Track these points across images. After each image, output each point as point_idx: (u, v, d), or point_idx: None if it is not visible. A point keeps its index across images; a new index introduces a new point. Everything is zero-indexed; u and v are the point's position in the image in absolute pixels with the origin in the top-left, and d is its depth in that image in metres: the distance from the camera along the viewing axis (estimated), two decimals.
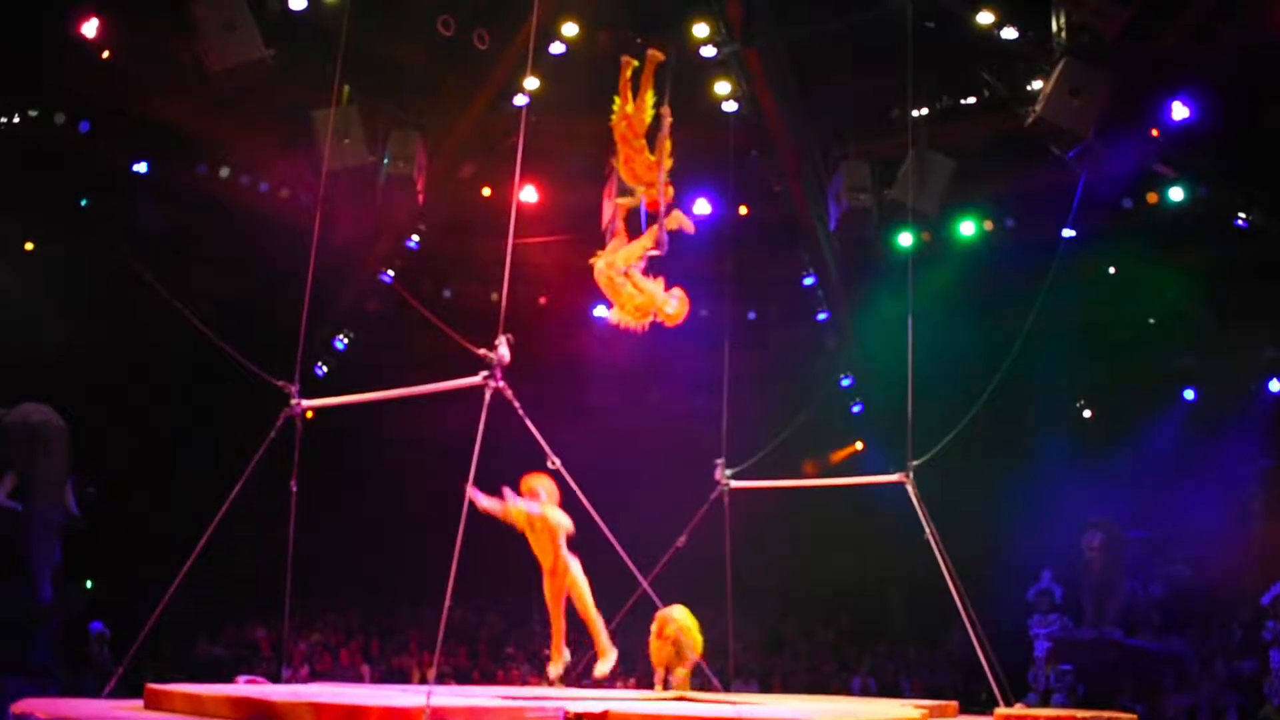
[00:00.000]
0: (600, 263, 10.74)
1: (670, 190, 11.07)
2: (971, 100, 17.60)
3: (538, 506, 10.43)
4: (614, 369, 21.47)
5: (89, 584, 17.67)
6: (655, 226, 10.71)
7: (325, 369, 19.41)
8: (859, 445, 22.13)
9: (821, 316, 20.65)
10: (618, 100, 11.00)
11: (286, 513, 11.20)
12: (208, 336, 15.96)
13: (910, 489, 13.19)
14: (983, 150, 17.98)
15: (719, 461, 14.48)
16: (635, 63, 10.88)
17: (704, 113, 17.73)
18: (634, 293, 10.59)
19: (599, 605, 13.87)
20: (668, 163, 10.94)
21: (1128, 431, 20.48)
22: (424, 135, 17.59)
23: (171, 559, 11.04)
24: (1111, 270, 19.23)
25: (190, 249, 18.10)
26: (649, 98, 10.89)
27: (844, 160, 18.12)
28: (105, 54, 15.25)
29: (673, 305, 10.72)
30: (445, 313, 18.32)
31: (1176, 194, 17.32)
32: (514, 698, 9.35)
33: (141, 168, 17.38)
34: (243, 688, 9.81)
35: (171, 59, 15.29)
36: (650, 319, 10.77)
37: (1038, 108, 15.59)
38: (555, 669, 11.21)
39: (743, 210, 19.66)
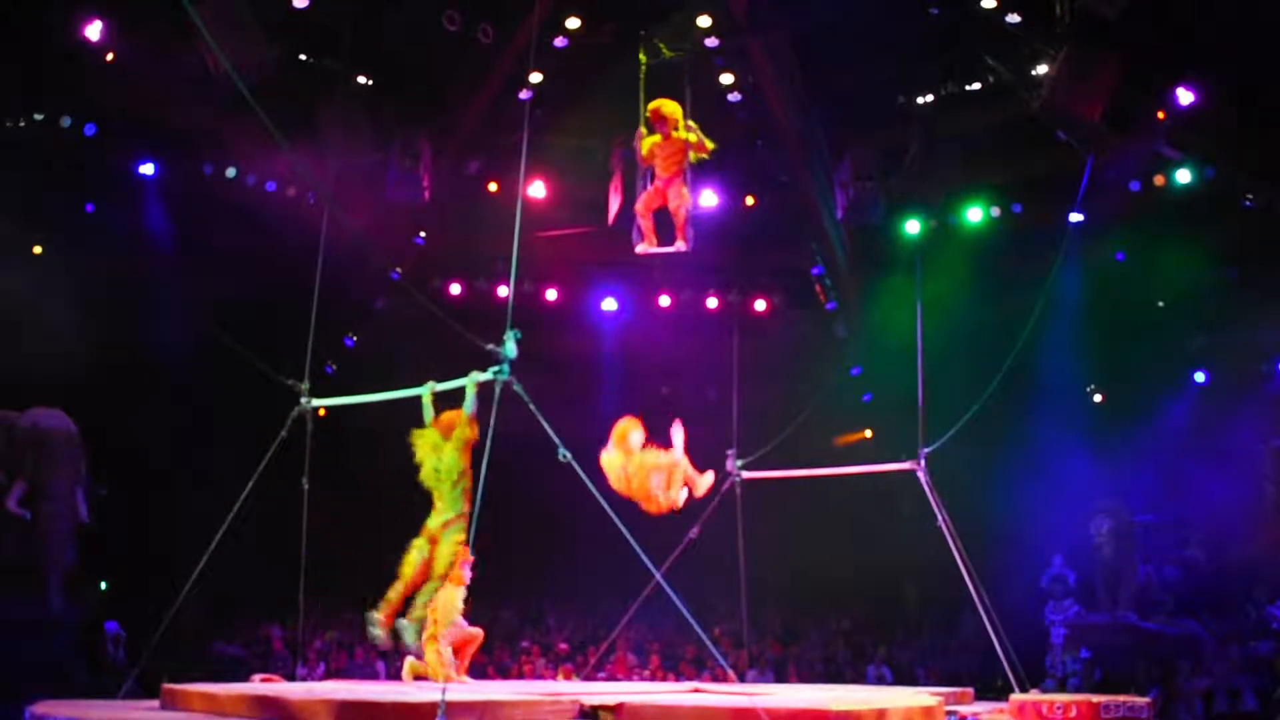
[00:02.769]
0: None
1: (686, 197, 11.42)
2: (977, 87, 17.57)
3: None
4: (623, 362, 21.50)
5: (103, 585, 17.72)
6: None
7: (335, 367, 19.43)
8: (868, 434, 22.13)
9: (830, 305, 20.64)
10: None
11: (299, 511, 11.25)
12: (220, 336, 16.04)
13: (922, 476, 13.23)
14: (989, 136, 17.95)
15: (730, 452, 14.52)
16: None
17: (710, 103, 17.74)
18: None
19: (614, 600, 13.91)
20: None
21: (1139, 415, 20.45)
22: (430, 131, 17.60)
23: (185, 559, 11.08)
24: (1120, 254, 19.18)
25: (198, 249, 18.11)
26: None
27: (850, 148, 18.10)
28: (110, 56, 15.26)
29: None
30: (453, 309, 18.37)
31: (1184, 176, 17.27)
32: (529, 692, 9.36)
33: (148, 169, 17.40)
34: (259, 686, 9.85)
35: (176, 60, 15.28)
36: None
37: (1043, 93, 15.55)
38: None
39: (749, 200, 19.66)
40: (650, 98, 12.77)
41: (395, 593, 9.96)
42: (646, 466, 10.92)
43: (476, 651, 11.46)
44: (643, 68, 13.06)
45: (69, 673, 15.51)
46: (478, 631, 10.96)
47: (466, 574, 10.82)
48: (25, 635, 15.15)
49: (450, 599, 10.71)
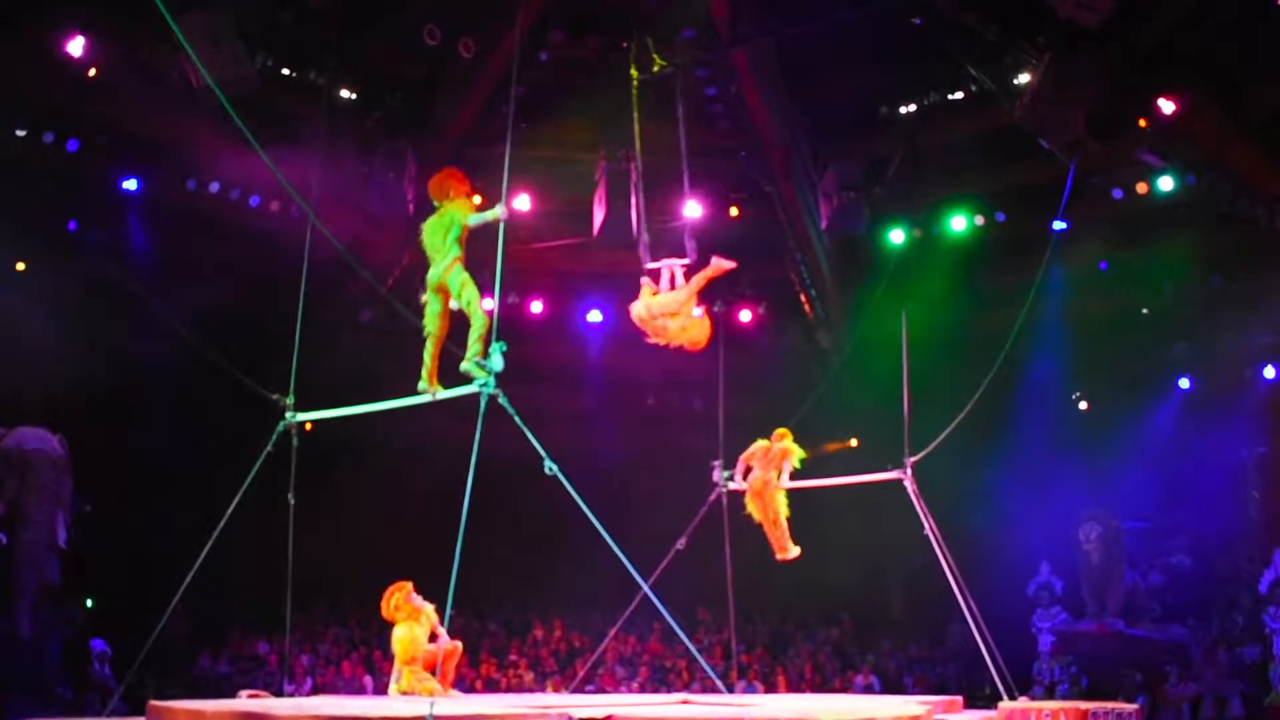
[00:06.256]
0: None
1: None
2: (959, 96, 17.61)
3: None
4: (609, 374, 21.49)
5: (89, 602, 17.65)
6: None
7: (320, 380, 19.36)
8: (854, 443, 22.13)
9: (815, 315, 20.66)
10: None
11: (285, 525, 11.21)
12: (204, 351, 15.98)
13: (909, 485, 13.25)
14: (972, 146, 17.98)
15: (716, 463, 14.50)
16: None
17: (693, 114, 17.75)
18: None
19: (602, 612, 13.73)
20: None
21: (1124, 422, 20.49)
22: (414, 144, 17.59)
23: (172, 575, 11.04)
24: (1103, 263, 19.21)
25: (182, 265, 18.07)
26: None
27: (833, 159, 18.13)
28: (92, 72, 15.23)
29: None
30: None
31: (1166, 184, 17.32)
32: (518, 705, 9.34)
33: (131, 184, 17.35)
34: (246, 703, 9.81)
35: (158, 74, 15.26)
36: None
37: (1025, 102, 15.59)
38: None
39: (734, 211, 19.66)
40: (643, 113, 12.79)
41: (430, 354, 10.04)
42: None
43: (458, 664, 11.43)
44: (634, 82, 13.06)
45: (55, 690, 15.45)
46: (453, 645, 10.91)
47: (420, 603, 10.77)
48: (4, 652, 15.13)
49: (404, 637, 10.67)
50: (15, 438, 15.99)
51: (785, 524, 13.15)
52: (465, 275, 9.88)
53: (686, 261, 11.87)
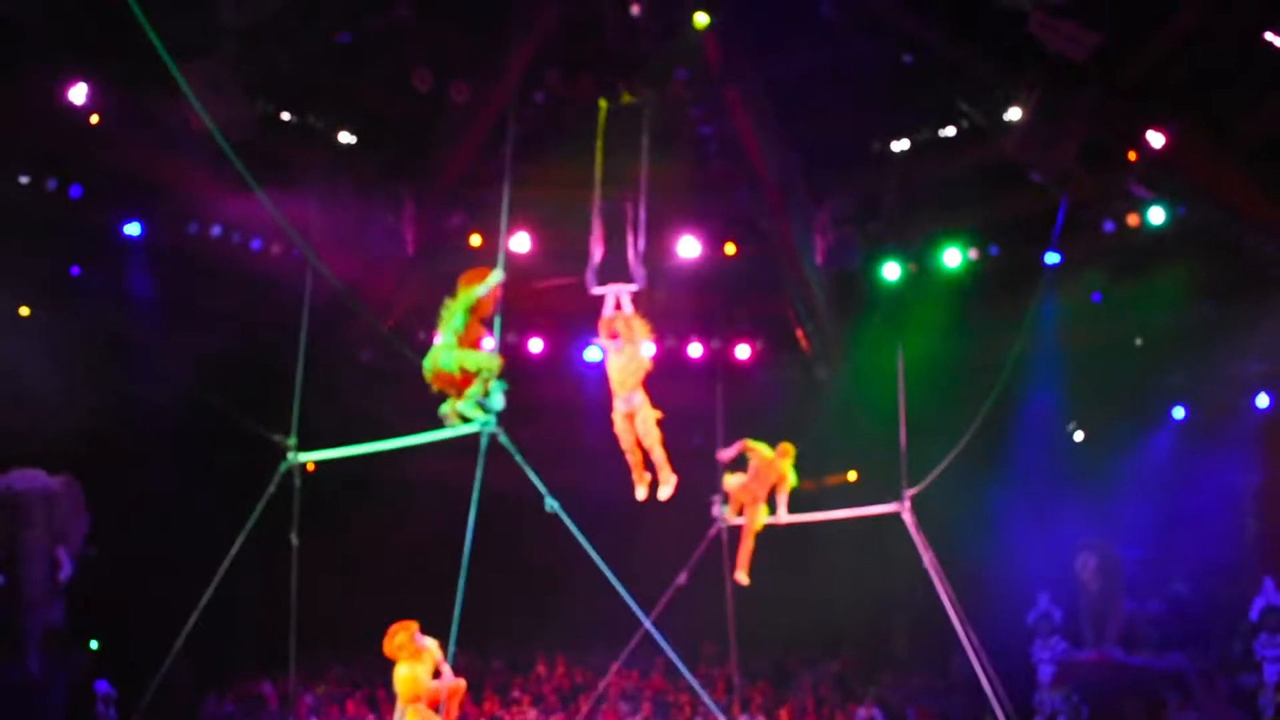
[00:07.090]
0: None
1: None
2: (951, 131, 17.74)
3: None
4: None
5: (94, 644, 17.69)
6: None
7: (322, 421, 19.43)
8: (852, 476, 22.19)
9: (811, 350, 20.75)
10: None
11: (289, 566, 11.29)
12: (206, 394, 16.09)
13: (907, 518, 13.34)
14: (965, 180, 18.11)
15: (716, 498, 14.59)
16: None
17: (688, 153, 17.91)
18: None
19: (605, 648, 13.85)
20: None
21: (1121, 452, 20.55)
22: (412, 185, 17.73)
23: (177, 617, 11.12)
24: (1096, 294, 19.31)
25: (184, 308, 18.18)
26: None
27: (827, 195, 18.27)
28: (94, 118, 15.39)
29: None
30: None
31: (1157, 215, 17.42)
32: None
33: (134, 229, 17.48)
34: None
35: (159, 120, 15.42)
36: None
37: (1016, 136, 15.73)
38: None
39: (730, 248, 19.77)
40: (611, 144, 12.93)
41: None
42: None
43: (462, 702, 11.45)
44: (601, 113, 13.23)
45: None
46: (458, 684, 10.93)
47: (424, 642, 10.80)
48: (6, 698, 15.13)
49: (406, 676, 10.70)
50: (4, 479, 16.11)
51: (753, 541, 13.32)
52: (458, 353, 9.98)
53: (634, 288, 11.98)
